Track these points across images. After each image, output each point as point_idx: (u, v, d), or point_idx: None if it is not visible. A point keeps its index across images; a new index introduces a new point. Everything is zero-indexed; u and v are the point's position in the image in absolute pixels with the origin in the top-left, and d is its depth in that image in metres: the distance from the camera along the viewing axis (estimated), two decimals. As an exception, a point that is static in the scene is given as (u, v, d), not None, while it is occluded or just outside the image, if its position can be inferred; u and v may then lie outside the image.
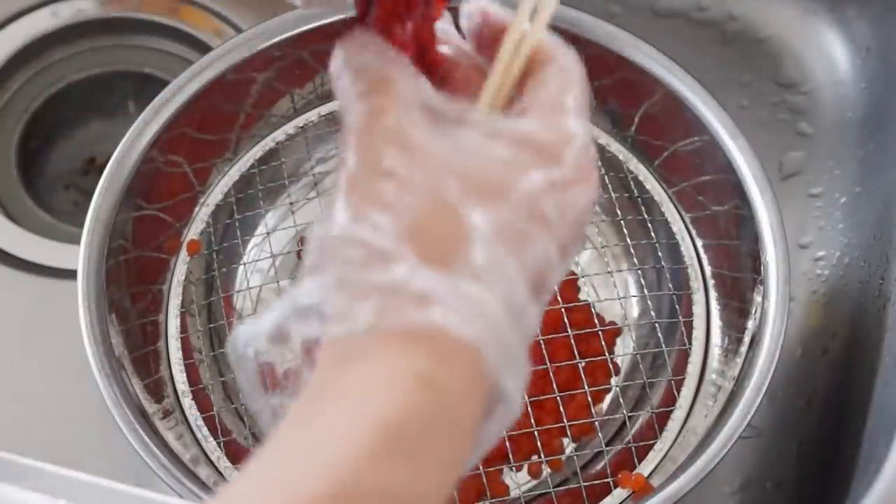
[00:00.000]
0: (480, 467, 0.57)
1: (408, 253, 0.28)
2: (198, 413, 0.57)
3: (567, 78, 0.32)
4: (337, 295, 0.28)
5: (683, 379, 0.59)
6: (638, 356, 0.61)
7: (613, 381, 0.61)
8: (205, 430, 0.57)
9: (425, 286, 0.28)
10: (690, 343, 0.60)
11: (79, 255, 0.55)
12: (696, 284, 0.61)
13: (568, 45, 0.33)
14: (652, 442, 0.57)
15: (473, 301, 0.28)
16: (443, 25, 0.34)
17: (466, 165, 0.29)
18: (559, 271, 0.31)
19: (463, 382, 0.28)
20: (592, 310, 0.62)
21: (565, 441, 0.59)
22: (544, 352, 0.59)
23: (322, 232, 0.30)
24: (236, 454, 0.57)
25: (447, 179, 0.29)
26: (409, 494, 0.26)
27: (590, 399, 0.59)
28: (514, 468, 0.59)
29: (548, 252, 0.30)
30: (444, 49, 0.34)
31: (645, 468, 0.56)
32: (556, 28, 0.33)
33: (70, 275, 0.55)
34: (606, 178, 0.64)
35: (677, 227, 0.62)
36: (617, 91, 0.62)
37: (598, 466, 0.58)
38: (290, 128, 0.64)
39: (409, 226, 0.28)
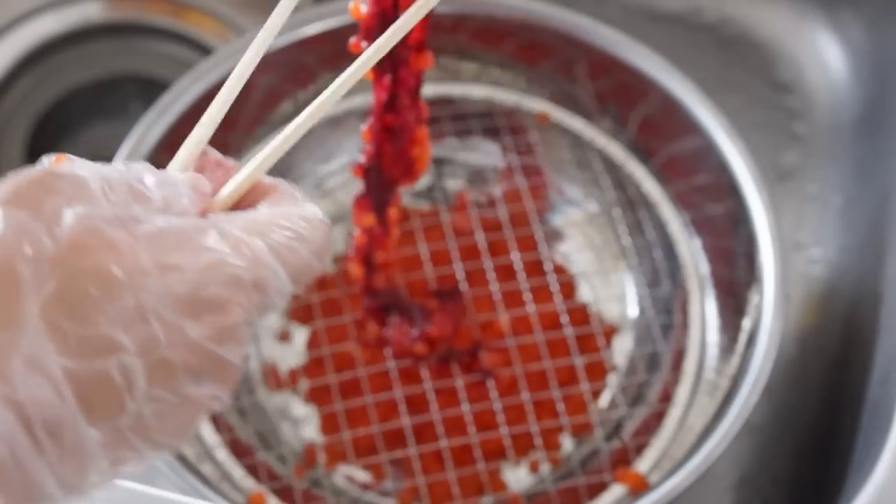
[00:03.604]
0: (481, 463, 0.58)
1: None
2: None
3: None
4: None
5: (681, 377, 0.59)
6: (635, 354, 0.62)
7: (611, 379, 0.61)
8: (208, 427, 0.57)
9: None
10: (687, 342, 0.60)
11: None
12: (693, 284, 0.61)
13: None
14: (649, 439, 0.58)
15: None
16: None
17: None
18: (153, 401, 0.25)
19: None
20: (590, 309, 0.62)
21: (564, 438, 0.60)
22: (544, 351, 0.60)
23: None
24: (239, 451, 0.57)
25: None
26: None
27: (588, 397, 0.60)
28: (513, 464, 0.59)
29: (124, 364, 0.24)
30: None
31: (643, 465, 0.57)
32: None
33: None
34: (604, 178, 0.65)
35: (674, 226, 0.63)
36: (615, 93, 0.63)
37: (597, 463, 0.59)
38: (292, 130, 0.64)
39: None
